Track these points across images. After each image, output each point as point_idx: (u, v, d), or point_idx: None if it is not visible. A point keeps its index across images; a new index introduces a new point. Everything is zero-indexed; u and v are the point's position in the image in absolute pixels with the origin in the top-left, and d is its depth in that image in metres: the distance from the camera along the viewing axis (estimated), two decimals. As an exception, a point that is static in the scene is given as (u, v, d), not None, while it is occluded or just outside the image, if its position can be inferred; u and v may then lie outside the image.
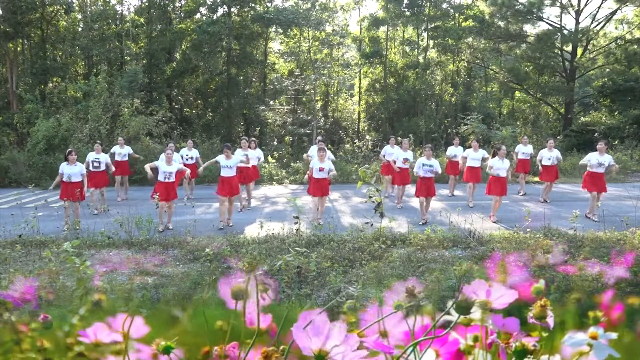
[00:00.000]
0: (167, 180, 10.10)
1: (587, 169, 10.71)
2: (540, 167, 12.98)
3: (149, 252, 8.42)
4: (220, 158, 10.38)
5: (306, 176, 10.72)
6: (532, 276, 1.06)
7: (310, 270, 7.08)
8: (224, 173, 10.26)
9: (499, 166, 10.59)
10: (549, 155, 12.73)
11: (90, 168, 11.68)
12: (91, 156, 12.18)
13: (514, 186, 14.37)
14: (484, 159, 12.29)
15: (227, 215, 10.45)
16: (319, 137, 13.31)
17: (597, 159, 10.53)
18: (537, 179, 14.44)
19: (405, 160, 12.13)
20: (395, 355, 0.80)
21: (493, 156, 10.97)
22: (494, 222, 10.55)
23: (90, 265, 4.94)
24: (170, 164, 10.20)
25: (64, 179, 10.24)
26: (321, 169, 10.30)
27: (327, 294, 6.64)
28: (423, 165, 10.56)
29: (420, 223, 10.51)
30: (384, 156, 13.54)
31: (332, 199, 14.21)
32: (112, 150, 13.73)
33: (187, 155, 13.70)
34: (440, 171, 10.81)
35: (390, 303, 0.90)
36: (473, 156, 12.49)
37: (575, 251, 7.84)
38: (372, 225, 8.75)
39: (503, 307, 0.80)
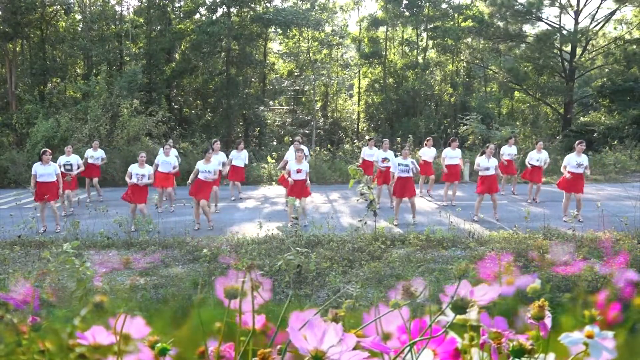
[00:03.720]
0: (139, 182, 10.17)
1: (567, 170, 10.60)
2: (529, 166, 12.87)
3: (149, 252, 8.43)
4: (199, 164, 10.23)
5: (289, 178, 10.38)
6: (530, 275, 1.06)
7: (309, 271, 7.09)
8: (200, 176, 10.09)
9: (486, 164, 10.64)
10: (537, 157, 12.72)
11: (63, 170, 11.50)
12: (62, 159, 12.12)
13: (509, 186, 14.38)
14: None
15: (208, 217, 10.35)
16: (297, 138, 13.18)
17: (575, 160, 10.49)
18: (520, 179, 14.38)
19: (384, 159, 12.05)
20: (393, 356, 0.80)
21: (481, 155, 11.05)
22: (477, 220, 10.63)
23: (90, 266, 4.95)
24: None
25: (38, 180, 10.05)
26: (298, 171, 10.20)
27: (326, 294, 6.64)
28: (399, 165, 10.58)
29: (394, 224, 10.39)
30: (362, 159, 13.70)
31: (331, 199, 14.22)
32: (85, 155, 13.62)
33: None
34: (417, 169, 10.80)
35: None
36: (451, 154, 12.61)
37: (575, 251, 7.85)
38: (365, 223, 8.72)
39: (488, 302, 0.81)
